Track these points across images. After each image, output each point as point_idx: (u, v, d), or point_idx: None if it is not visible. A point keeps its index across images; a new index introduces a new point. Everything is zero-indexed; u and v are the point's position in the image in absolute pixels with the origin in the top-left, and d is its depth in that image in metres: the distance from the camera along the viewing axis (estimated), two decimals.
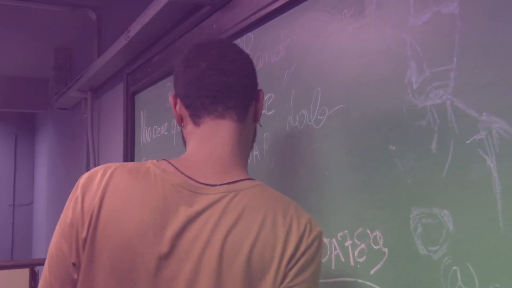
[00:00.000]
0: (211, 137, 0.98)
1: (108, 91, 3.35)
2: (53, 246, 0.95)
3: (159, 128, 2.36)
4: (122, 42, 2.58)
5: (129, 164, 0.98)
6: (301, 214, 0.93)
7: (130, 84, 2.74)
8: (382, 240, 1.06)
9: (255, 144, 1.20)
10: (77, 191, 0.96)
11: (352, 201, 1.16)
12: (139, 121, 2.65)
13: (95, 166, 3.45)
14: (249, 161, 1.12)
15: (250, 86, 1.02)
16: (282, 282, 0.86)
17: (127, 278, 0.87)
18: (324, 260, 1.23)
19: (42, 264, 6.23)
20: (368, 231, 1.10)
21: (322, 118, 1.28)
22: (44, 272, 0.95)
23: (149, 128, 2.50)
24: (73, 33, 4.31)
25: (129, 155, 2.72)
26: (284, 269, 0.87)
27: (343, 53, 1.22)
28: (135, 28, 2.36)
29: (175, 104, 1.05)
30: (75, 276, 0.91)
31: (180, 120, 1.06)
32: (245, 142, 1.02)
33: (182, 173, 0.95)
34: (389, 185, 1.06)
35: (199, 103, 0.99)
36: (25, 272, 7.76)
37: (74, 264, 0.91)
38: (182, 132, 1.08)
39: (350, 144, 1.18)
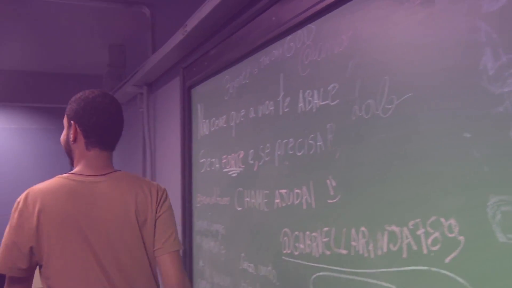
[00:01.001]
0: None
1: (163, 85, 3.42)
2: None
3: (217, 121, 2.39)
4: (178, 36, 2.63)
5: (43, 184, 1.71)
6: (153, 183, 1.79)
7: (187, 78, 2.79)
8: (457, 228, 1.06)
9: (318, 133, 1.59)
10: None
11: (423, 190, 1.16)
12: (196, 114, 2.70)
13: (152, 159, 3.54)
14: (312, 151, 1.54)
15: None
16: (156, 213, 1.71)
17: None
18: (394, 249, 1.23)
19: None
20: (442, 220, 1.10)
21: (390, 107, 1.27)
22: None
23: (206, 121, 2.54)
24: (127, 30, 4.41)
25: (186, 148, 2.78)
26: (156, 208, 1.71)
27: (411, 42, 1.22)
28: (193, 22, 2.40)
29: None
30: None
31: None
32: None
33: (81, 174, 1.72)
34: (464, 173, 1.05)
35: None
36: None
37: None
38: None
39: (420, 133, 1.17)
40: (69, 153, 1.79)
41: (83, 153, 1.72)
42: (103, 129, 1.72)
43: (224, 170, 2.30)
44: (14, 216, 1.60)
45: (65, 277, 1.58)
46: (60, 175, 1.71)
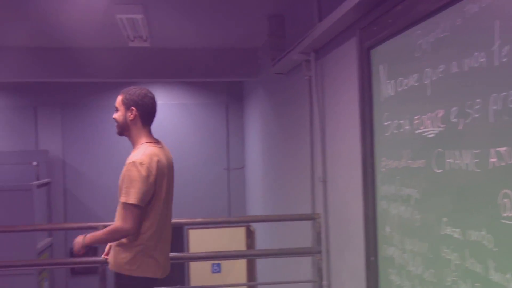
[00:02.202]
0: None
1: (333, 50, 3.36)
2: None
3: (405, 80, 2.28)
4: None
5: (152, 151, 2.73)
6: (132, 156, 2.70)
7: (365, 39, 2.69)
8: None
9: None
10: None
11: None
12: (377, 76, 2.60)
13: (321, 125, 3.51)
14: None
15: None
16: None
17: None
18: None
19: (255, 221, 6.65)
20: None
21: None
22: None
23: (391, 82, 2.43)
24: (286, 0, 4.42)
25: (366, 112, 2.70)
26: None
27: None
28: None
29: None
30: None
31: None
32: None
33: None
34: None
35: None
36: (242, 230, 8.39)
37: None
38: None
39: None
40: (124, 127, 2.76)
41: (141, 129, 2.76)
42: (153, 113, 2.82)
43: (417, 131, 2.18)
44: (141, 171, 2.58)
45: (159, 210, 2.70)
46: (147, 143, 2.75)
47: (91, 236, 2.74)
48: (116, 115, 2.76)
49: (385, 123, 2.52)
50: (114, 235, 2.68)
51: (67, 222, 8.11)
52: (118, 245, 2.72)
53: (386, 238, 2.56)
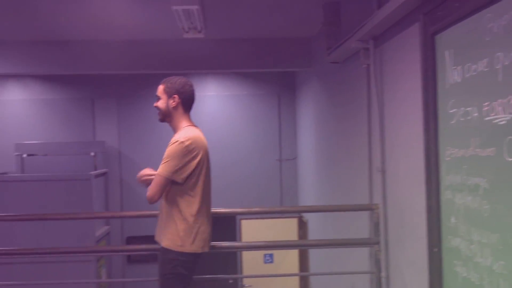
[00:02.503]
0: None
1: (393, 36, 3.28)
2: None
3: (474, 66, 2.20)
4: None
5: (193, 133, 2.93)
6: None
7: (429, 24, 2.62)
8: None
9: None
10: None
11: None
12: (442, 62, 2.52)
13: (380, 113, 3.45)
14: None
15: None
16: None
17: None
18: None
19: (311, 211, 6.61)
20: None
21: None
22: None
23: (458, 68, 2.35)
24: None
25: (430, 99, 2.62)
26: None
27: None
28: None
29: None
30: None
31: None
32: None
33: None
34: None
35: None
36: (294, 221, 8.38)
37: None
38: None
39: None
40: (166, 114, 2.96)
41: (183, 115, 2.96)
42: (192, 100, 3.01)
43: (487, 118, 2.10)
44: (182, 149, 2.79)
45: (203, 189, 2.91)
46: (189, 126, 2.94)
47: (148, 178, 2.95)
48: (158, 103, 2.98)
49: (451, 111, 2.44)
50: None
51: (123, 211, 8.33)
52: (165, 221, 2.89)
53: (451, 229, 2.49)
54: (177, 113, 2.95)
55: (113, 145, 8.44)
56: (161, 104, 2.96)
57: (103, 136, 8.42)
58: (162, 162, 2.82)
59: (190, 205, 2.84)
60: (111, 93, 8.46)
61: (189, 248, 2.84)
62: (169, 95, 2.94)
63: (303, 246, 6.23)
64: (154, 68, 6.54)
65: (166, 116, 2.98)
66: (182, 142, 2.80)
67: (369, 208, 3.67)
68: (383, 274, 3.55)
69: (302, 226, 8.00)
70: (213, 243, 3.47)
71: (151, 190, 2.82)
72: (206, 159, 2.94)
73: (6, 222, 6.33)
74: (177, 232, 2.83)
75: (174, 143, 2.82)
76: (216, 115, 8.23)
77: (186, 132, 2.87)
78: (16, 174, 7.83)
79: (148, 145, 8.32)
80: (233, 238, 8.29)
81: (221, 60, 6.29)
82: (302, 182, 8.03)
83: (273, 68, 6.98)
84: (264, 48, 6.21)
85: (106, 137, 8.41)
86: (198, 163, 2.85)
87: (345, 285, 4.81)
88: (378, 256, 3.59)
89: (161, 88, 2.98)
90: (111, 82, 8.32)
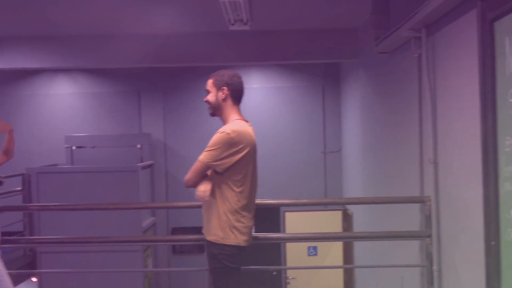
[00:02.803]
0: None
1: (447, 25, 3.20)
2: None
3: None
4: None
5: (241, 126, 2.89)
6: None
7: (487, 11, 2.53)
8: None
9: None
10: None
11: None
12: (501, 49, 2.44)
13: (432, 104, 3.37)
14: None
15: None
16: None
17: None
18: None
19: (356, 203, 6.51)
20: None
21: None
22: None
23: None
24: None
25: (488, 87, 2.54)
26: None
27: None
28: None
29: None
30: None
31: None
32: None
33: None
34: None
35: None
36: (338, 213, 8.33)
37: None
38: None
39: None
40: (216, 107, 2.94)
41: (232, 107, 2.94)
42: (241, 92, 2.97)
43: None
44: (227, 140, 2.77)
45: (249, 184, 2.90)
46: (239, 119, 2.91)
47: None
48: (208, 97, 2.98)
49: (511, 100, 2.36)
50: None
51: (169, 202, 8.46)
52: (209, 215, 2.91)
53: (510, 222, 2.41)
54: (227, 106, 2.95)
55: (158, 137, 8.57)
56: (210, 97, 2.97)
57: (149, 129, 8.56)
58: (205, 150, 2.85)
59: (234, 200, 2.85)
60: (157, 86, 8.58)
61: (232, 241, 2.85)
62: (218, 88, 2.94)
63: (353, 238, 6.11)
64: (199, 61, 6.58)
65: (216, 110, 2.97)
66: (228, 133, 2.80)
67: (420, 200, 3.59)
68: (435, 267, 3.48)
69: (347, 218, 7.93)
70: (261, 234, 3.49)
71: (188, 175, 2.88)
72: (253, 154, 2.92)
73: (56, 212, 6.55)
74: (220, 226, 2.85)
75: (220, 133, 2.83)
76: (260, 107, 8.23)
77: (234, 125, 2.87)
78: (66, 166, 8.04)
79: (193, 138, 8.40)
80: (277, 230, 8.30)
81: (266, 52, 6.28)
82: (347, 175, 7.96)
83: (319, 60, 6.94)
84: (310, 39, 6.16)
85: (152, 129, 8.54)
86: (243, 158, 2.83)
87: (393, 278, 4.75)
88: (430, 249, 3.51)
89: (210, 81, 2.99)
90: (157, 75, 8.43)
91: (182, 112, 8.54)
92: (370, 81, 5.78)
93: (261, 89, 8.38)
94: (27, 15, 5.54)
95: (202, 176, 2.87)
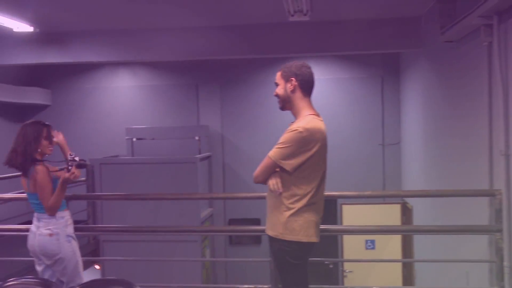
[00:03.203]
0: None
1: None
2: None
3: None
4: None
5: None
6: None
7: None
8: None
9: None
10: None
11: None
12: None
13: (504, 93, 3.24)
14: None
15: None
16: None
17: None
18: None
19: (416, 196, 6.32)
20: None
21: None
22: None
23: None
24: None
25: None
26: None
27: None
28: None
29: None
30: None
31: None
32: None
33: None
34: None
35: None
36: (397, 207, 8.18)
37: None
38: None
39: None
40: (285, 100, 2.86)
41: (301, 99, 2.85)
42: (311, 82, 2.87)
43: None
44: (298, 138, 2.70)
45: (316, 181, 2.82)
46: (311, 115, 2.81)
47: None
48: (277, 90, 2.90)
49: None
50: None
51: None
52: (272, 210, 2.86)
53: None
54: (296, 98, 2.85)
55: (216, 129, 8.66)
56: (279, 90, 2.88)
57: (207, 121, 8.66)
58: (276, 146, 2.77)
59: (299, 196, 2.79)
60: (215, 79, 8.66)
61: (292, 237, 2.79)
62: (286, 79, 2.85)
63: (418, 231, 5.89)
64: (257, 52, 6.59)
65: (285, 103, 2.88)
66: (301, 132, 2.71)
67: (490, 193, 3.47)
68: (505, 263, 3.36)
69: (406, 212, 7.77)
70: (327, 226, 3.44)
71: (257, 170, 2.84)
72: (323, 151, 2.82)
73: (117, 202, 6.73)
74: (281, 221, 2.80)
75: (293, 130, 2.73)
76: (317, 99, 8.06)
77: (307, 122, 2.76)
78: (127, 157, 8.26)
79: (250, 130, 8.45)
80: (334, 223, 8.23)
81: (325, 43, 6.21)
82: (406, 167, 7.79)
83: (380, 50, 6.80)
84: (370, 29, 6.04)
85: (209, 121, 8.65)
86: (312, 156, 2.75)
87: (457, 274, 4.62)
88: (500, 245, 3.39)
89: (278, 74, 2.90)
90: (215, 67, 8.51)
91: (240, 104, 8.60)
92: (433, 72, 5.62)
93: (318, 80, 8.13)
94: (92, 11, 5.70)
95: (270, 173, 2.80)
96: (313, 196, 2.81)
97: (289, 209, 2.78)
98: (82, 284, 2.78)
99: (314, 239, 2.83)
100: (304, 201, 2.78)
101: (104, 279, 2.77)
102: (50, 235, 3.35)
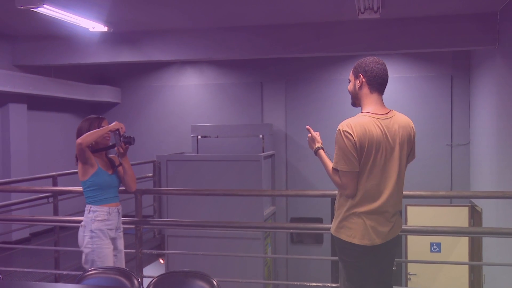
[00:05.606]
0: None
1: None
2: None
3: None
4: None
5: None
6: (411, 122, 2.85)
7: None
8: None
9: None
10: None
11: None
12: None
13: None
14: None
15: None
16: (412, 145, 2.83)
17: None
18: None
19: (488, 197, 6.00)
20: None
21: None
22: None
23: None
24: None
25: None
26: (413, 141, 2.85)
27: None
28: None
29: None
30: None
31: None
32: None
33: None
34: None
35: None
36: (464, 210, 7.94)
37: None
38: None
39: None
40: (354, 96, 2.82)
41: (368, 96, 2.76)
42: (379, 78, 2.74)
43: None
44: (342, 138, 2.63)
45: (368, 178, 2.68)
46: (363, 113, 2.72)
47: (322, 153, 2.92)
48: (348, 86, 2.87)
49: None
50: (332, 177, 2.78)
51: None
52: (336, 207, 2.83)
53: None
54: (362, 94, 2.76)
55: (280, 127, 8.69)
56: (349, 86, 2.85)
57: (271, 119, 8.70)
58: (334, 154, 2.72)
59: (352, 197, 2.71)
60: (279, 77, 8.69)
61: (346, 237, 2.73)
62: (356, 76, 2.79)
63: (496, 234, 5.58)
64: (324, 50, 6.56)
65: (355, 99, 2.83)
66: (339, 130, 2.64)
67: None
68: None
69: (475, 215, 7.53)
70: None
71: (339, 186, 2.74)
72: (374, 150, 2.65)
73: (182, 198, 6.87)
74: (338, 221, 2.76)
75: (337, 132, 2.66)
76: (384, 98, 8.02)
77: (350, 120, 2.66)
78: (192, 154, 8.42)
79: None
80: None
81: (395, 41, 6.11)
82: (476, 169, 7.55)
83: (453, 47, 6.64)
84: (442, 26, 5.89)
85: (273, 120, 8.68)
86: (361, 152, 2.63)
87: None
88: None
89: (351, 71, 2.85)
90: (279, 66, 8.54)
91: (304, 103, 8.58)
92: (509, 70, 5.42)
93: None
94: (166, 11, 5.85)
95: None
96: (369, 194, 2.69)
97: (346, 209, 2.73)
98: (161, 274, 2.85)
99: (366, 242, 2.72)
100: (358, 200, 2.69)
101: (183, 271, 2.80)
102: (80, 225, 3.56)
